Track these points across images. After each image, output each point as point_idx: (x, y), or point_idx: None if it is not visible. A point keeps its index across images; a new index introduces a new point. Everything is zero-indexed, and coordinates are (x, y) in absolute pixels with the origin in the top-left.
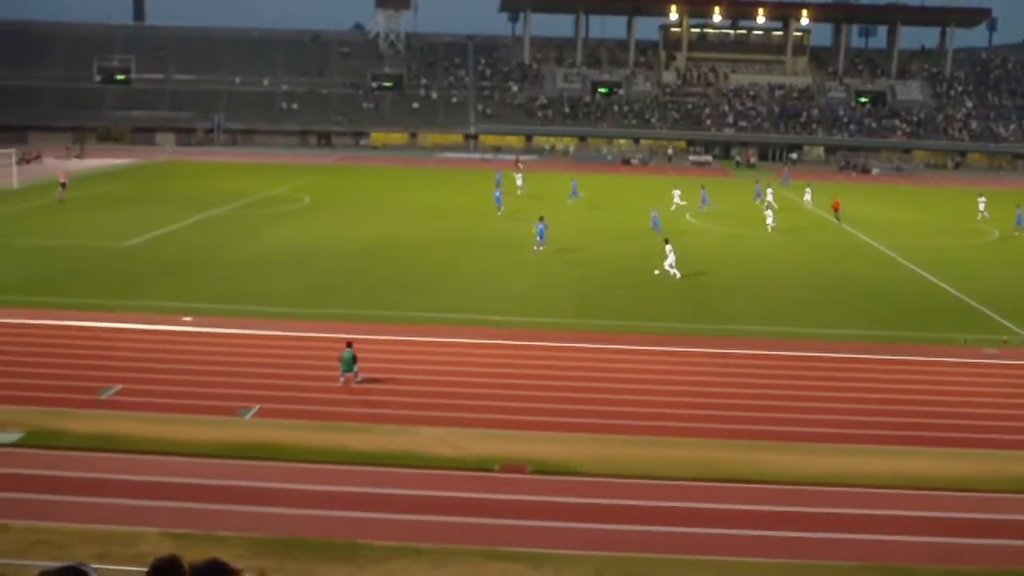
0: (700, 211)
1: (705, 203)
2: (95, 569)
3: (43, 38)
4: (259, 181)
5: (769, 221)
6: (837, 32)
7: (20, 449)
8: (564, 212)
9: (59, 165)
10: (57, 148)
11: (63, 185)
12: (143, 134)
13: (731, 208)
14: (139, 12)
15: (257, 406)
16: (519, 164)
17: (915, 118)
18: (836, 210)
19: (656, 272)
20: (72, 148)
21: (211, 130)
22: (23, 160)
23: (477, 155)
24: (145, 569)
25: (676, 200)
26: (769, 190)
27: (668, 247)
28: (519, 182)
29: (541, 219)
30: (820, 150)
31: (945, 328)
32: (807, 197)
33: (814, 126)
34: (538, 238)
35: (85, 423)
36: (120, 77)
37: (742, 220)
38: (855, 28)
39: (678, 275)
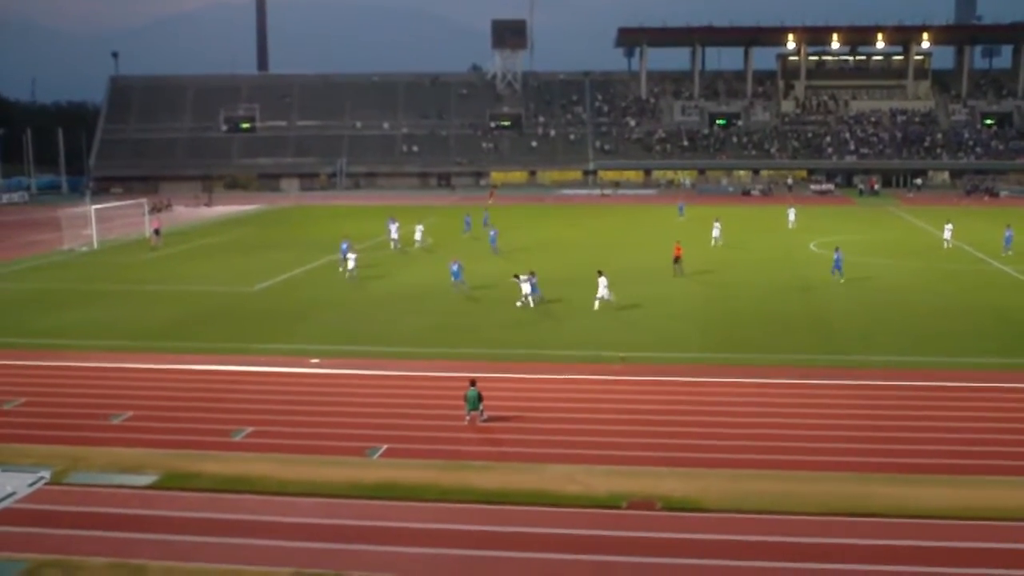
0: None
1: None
2: None
3: (174, 91)
4: (382, 224)
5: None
6: (959, 54)
7: (156, 491)
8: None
9: (189, 213)
10: (186, 197)
11: (156, 232)
12: (268, 180)
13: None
14: (263, 62)
15: (385, 446)
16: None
17: None
18: (677, 258)
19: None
20: (201, 196)
21: (334, 174)
22: (155, 209)
23: (597, 191)
24: None
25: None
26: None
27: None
28: (418, 236)
29: (456, 261)
30: (945, 175)
31: None
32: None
33: (938, 150)
34: (453, 279)
35: (218, 465)
36: (245, 126)
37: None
38: (978, 49)
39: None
